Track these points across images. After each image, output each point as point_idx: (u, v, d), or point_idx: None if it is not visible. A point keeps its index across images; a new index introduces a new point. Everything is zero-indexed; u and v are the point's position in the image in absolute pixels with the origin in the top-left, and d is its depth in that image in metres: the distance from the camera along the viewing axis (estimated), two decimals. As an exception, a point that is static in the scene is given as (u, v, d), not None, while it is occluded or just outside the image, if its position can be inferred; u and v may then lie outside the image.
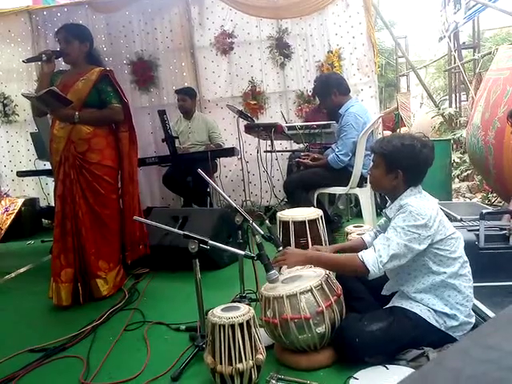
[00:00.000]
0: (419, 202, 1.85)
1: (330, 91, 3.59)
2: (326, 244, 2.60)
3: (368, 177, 2.41)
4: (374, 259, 1.82)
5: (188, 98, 4.79)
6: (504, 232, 2.50)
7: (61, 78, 3.00)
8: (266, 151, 4.58)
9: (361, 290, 2.17)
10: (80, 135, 2.90)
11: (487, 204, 4.54)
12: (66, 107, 2.83)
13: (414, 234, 1.79)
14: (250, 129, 4.46)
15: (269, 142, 4.41)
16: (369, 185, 3.33)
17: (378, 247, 1.85)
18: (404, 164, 1.88)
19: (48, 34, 5.13)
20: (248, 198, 4.84)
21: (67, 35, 2.92)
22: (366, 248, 2.04)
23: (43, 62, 2.90)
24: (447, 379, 0.45)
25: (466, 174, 6.36)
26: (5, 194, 5.30)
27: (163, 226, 2.18)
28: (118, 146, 3.06)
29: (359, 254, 1.87)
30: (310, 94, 4.99)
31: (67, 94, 2.83)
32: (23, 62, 3.05)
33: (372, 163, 2.04)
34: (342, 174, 3.57)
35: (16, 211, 4.88)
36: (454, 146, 6.95)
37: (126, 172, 3.07)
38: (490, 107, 4.02)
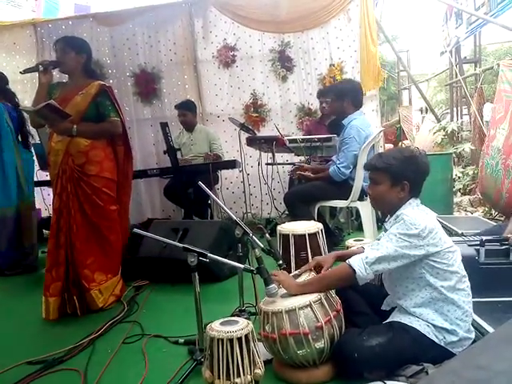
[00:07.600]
0: (415, 213, 1.87)
1: (344, 97, 3.59)
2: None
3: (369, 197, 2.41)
4: (359, 260, 1.87)
5: (188, 113, 4.82)
6: (505, 247, 2.49)
7: (59, 90, 3.02)
8: (268, 164, 4.60)
9: (361, 305, 2.16)
10: (78, 148, 2.92)
11: (489, 218, 4.50)
12: (64, 120, 2.84)
13: (405, 241, 1.82)
14: (252, 141, 4.48)
15: (270, 155, 4.42)
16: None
17: (366, 250, 1.91)
18: (409, 174, 1.92)
19: (53, 47, 5.16)
20: (249, 211, 4.84)
21: (64, 45, 2.98)
22: None
23: (40, 72, 2.92)
24: (437, 400, 0.45)
25: (468, 188, 6.35)
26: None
27: (162, 239, 2.17)
28: (116, 158, 3.10)
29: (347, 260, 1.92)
30: (311, 106, 5.02)
31: (66, 108, 2.84)
32: (20, 73, 3.04)
33: (370, 181, 2.05)
34: (342, 187, 3.57)
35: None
36: (456, 160, 6.96)
37: (119, 183, 3.12)
38: None
